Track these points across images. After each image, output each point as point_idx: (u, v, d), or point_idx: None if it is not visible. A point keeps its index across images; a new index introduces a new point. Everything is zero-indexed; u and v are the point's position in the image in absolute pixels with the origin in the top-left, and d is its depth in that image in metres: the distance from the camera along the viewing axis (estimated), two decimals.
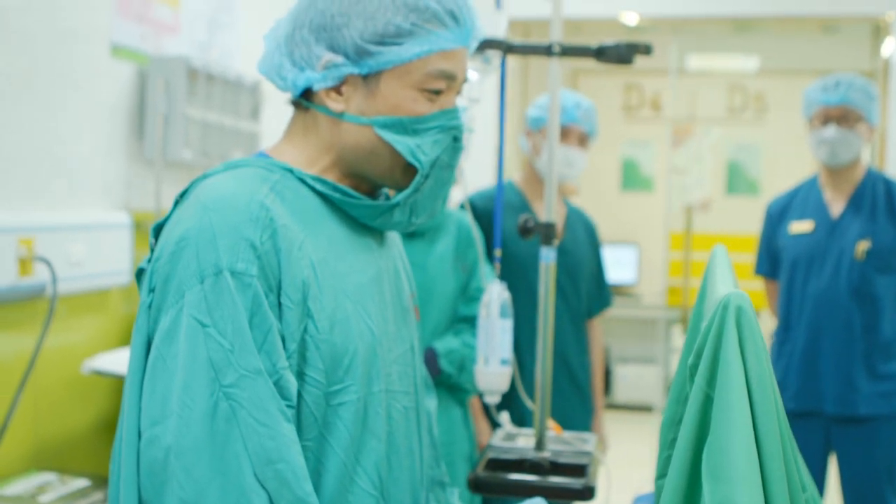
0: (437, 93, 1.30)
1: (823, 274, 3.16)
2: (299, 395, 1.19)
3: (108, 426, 3.15)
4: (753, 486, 0.83)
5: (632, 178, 7.93)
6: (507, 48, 1.89)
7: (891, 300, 3.13)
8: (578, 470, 1.85)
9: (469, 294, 2.48)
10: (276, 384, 1.14)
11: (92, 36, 3.01)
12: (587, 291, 3.12)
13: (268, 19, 4.62)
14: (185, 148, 3.26)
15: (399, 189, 1.34)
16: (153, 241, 1.25)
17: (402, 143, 1.28)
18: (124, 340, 3.19)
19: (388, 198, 1.42)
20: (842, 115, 3.10)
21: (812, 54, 7.01)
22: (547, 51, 1.90)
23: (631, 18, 5.03)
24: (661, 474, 1.60)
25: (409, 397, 1.38)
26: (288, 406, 1.15)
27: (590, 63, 1.99)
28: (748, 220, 7.13)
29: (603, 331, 3.30)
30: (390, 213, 1.33)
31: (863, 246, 3.11)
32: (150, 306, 1.17)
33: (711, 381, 0.91)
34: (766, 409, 0.88)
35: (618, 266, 7.28)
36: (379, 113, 1.28)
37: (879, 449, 3.11)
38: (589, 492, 1.77)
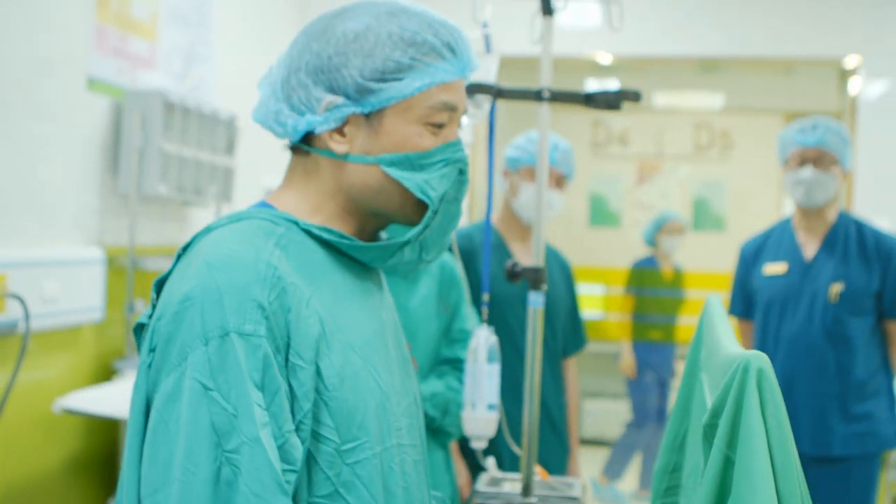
0: (440, 126, 1.28)
1: (797, 315, 3.19)
2: (310, 453, 1.16)
3: (78, 466, 3.10)
4: None
5: (599, 213, 7.98)
6: (498, 92, 1.89)
7: (863, 342, 3.15)
8: None
9: (452, 336, 2.47)
10: (281, 448, 1.10)
11: (68, 69, 2.98)
12: (562, 330, 3.12)
13: (244, 54, 4.66)
14: (160, 182, 3.23)
15: (411, 225, 1.32)
16: (154, 296, 1.21)
17: (411, 180, 1.26)
18: (96, 378, 3.15)
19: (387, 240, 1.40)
20: (818, 157, 3.14)
21: (777, 94, 7.12)
22: (537, 96, 1.91)
23: (605, 58, 5.09)
24: None
25: (417, 450, 1.36)
26: (290, 471, 1.11)
27: None
28: (715, 256, 7.21)
29: (577, 370, 3.30)
30: (401, 253, 1.30)
31: (836, 288, 3.14)
32: (150, 366, 1.13)
33: (732, 443, 0.90)
34: (788, 474, 0.88)
35: (584, 301, 7.31)
36: (384, 150, 1.26)
37: (853, 489, 3.13)
38: None
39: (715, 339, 1.25)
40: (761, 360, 0.91)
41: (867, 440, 3.15)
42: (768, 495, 0.86)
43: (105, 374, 3.17)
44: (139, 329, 1.21)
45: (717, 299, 1.51)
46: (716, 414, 0.94)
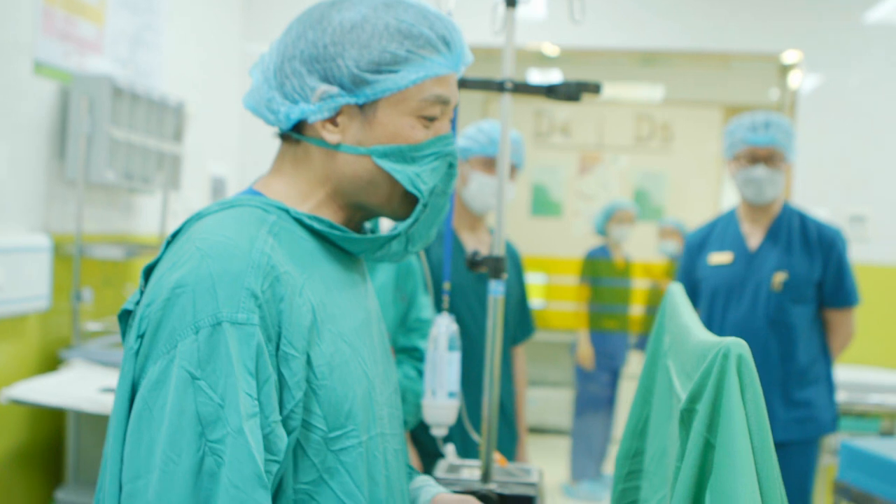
0: (433, 119, 1.29)
1: (742, 304, 3.26)
2: (298, 442, 1.16)
3: (24, 457, 3.05)
4: None
5: (541, 203, 8.04)
6: (461, 83, 1.90)
7: (805, 329, 3.24)
8: (526, 501, 1.86)
9: (408, 325, 2.48)
10: (266, 438, 1.11)
11: (14, 52, 2.93)
12: (513, 319, 3.15)
13: (192, 41, 4.60)
14: (108, 169, 3.18)
15: (396, 218, 1.32)
16: (143, 282, 1.20)
17: (402, 173, 1.27)
18: (42, 368, 3.10)
19: (372, 231, 1.40)
20: (769, 156, 3.21)
21: (717, 87, 7.24)
22: (500, 87, 1.93)
23: (549, 49, 5.13)
24: None
25: (397, 439, 1.37)
26: (273, 461, 1.11)
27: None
28: (655, 246, 7.31)
29: (525, 358, 3.33)
30: (389, 245, 1.31)
31: (779, 277, 3.22)
32: (137, 353, 1.13)
33: (712, 427, 0.93)
34: (766, 455, 0.91)
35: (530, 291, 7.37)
36: (377, 142, 1.26)
37: (792, 473, 3.21)
38: None
39: (682, 326, 1.28)
40: (741, 346, 0.94)
41: (807, 426, 3.24)
42: (749, 477, 0.89)
43: (51, 363, 3.12)
44: (124, 315, 1.20)
45: (679, 287, 1.55)
46: (694, 399, 0.97)
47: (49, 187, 3.13)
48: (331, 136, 1.27)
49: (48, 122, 3.10)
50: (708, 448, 0.93)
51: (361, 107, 1.26)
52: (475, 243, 3.00)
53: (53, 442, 3.16)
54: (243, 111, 4.71)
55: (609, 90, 7.72)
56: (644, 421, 1.58)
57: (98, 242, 3.33)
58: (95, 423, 3.00)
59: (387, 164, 1.26)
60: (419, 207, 1.29)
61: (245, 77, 4.70)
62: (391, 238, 1.30)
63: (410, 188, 1.27)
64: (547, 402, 7.36)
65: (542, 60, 6.39)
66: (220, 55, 4.60)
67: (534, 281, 7.67)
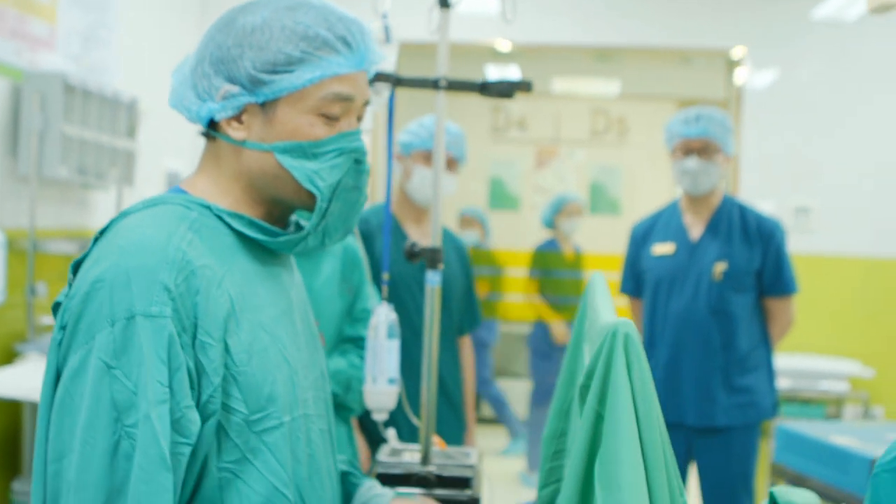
0: (335, 118, 1.34)
1: (684, 293, 3.36)
2: (220, 423, 1.24)
3: None
4: (640, 492, 0.94)
5: (499, 197, 8.13)
6: (397, 81, 1.98)
7: (745, 318, 3.34)
8: (463, 482, 1.93)
9: (354, 315, 2.54)
10: (178, 422, 1.18)
11: None
12: (458, 310, 3.22)
13: (145, 37, 4.63)
14: (60, 165, 3.22)
15: (309, 211, 1.38)
16: (71, 276, 1.27)
17: (300, 169, 1.32)
18: None
19: (298, 227, 1.47)
20: (702, 147, 3.31)
21: (670, 81, 7.36)
22: (434, 84, 2.00)
23: (504, 45, 5.21)
24: (545, 484, 1.71)
25: (323, 420, 1.45)
26: (185, 444, 1.19)
27: None
28: (610, 239, 7.42)
29: (473, 348, 3.41)
30: (305, 242, 1.38)
31: (720, 267, 3.32)
32: (60, 343, 1.21)
33: (602, 400, 1.01)
34: (650, 425, 0.99)
35: (483, 282, 7.46)
36: (278, 139, 1.32)
37: (735, 457, 3.32)
38: (474, 502, 1.87)
39: (595, 311, 1.37)
40: (628, 325, 1.02)
41: (748, 411, 3.34)
42: (633, 445, 0.97)
43: (7, 357, 3.16)
44: (56, 307, 1.27)
45: (601, 276, 1.63)
46: (589, 376, 1.05)
47: (2, 183, 3.17)
48: (235, 133, 1.34)
49: (0, 119, 3.14)
50: (598, 420, 1.01)
51: (262, 105, 1.32)
52: (420, 234, 3.08)
53: (10, 434, 3.20)
54: None
55: (565, 85, 7.82)
56: (568, 403, 1.66)
57: (52, 238, 3.37)
58: None
59: (286, 161, 1.32)
60: (320, 204, 1.34)
61: None
62: (303, 238, 1.37)
63: (308, 185, 1.33)
64: (506, 392, 7.45)
65: (499, 57, 6.47)
66: (175, 52, 4.63)
67: (490, 274, 7.75)
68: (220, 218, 1.32)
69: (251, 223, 1.34)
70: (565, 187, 7.82)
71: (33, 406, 3.07)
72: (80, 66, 3.62)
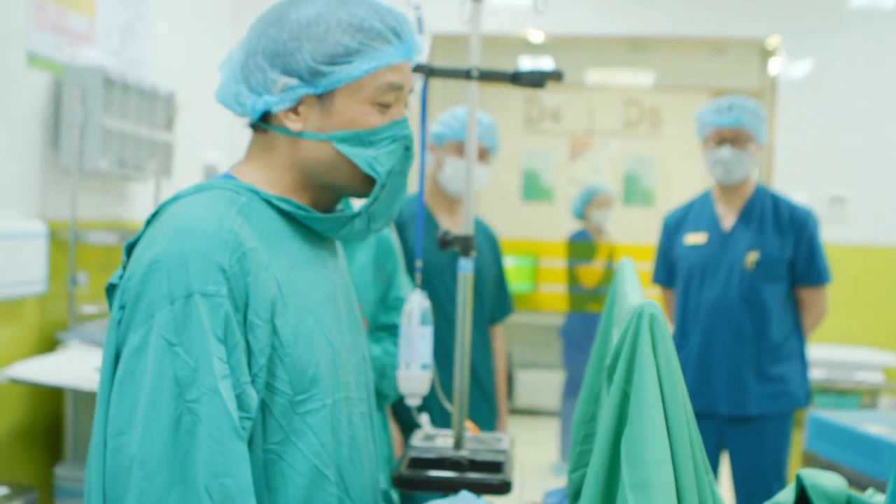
0: (387, 106, 1.40)
1: (716, 283, 3.37)
2: (265, 403, 1.28)
3: (24, 434, 3.16)
4: (666, 469, 0.97)
5: (532, 188, 8.15)
6: (430, 71, 2.01)
7: (778, 307, 3.35)
8: (495, 466, 1.96)
9: (388, 303, 2.58)
10: (238, 397, 1.22)
11: (8, 45, 3.03)
12: (489, 299, 3.25)
13: (182, 31, 4.69)
14: (101, 157, 3.29)
15: (360, 197, 1.44)
16: (125, 258, 1.31)
17: (360, 156, 1.38)
18: (40, 349, 3.21)
19: (342, 210, 1.51)
20: (735, 137, 3.31)
21: (703, 72, 7.33)
22: (466, 75, 2.03)
23: (537, 36, 5.22)
24: (575, 468, 1.74)
25: (364, 403, 1.49)
26: (246, 418, 1.23)
27: None
28: (644, 230, 7.41)
29: (505, 337, 3.44)
30: (351, 224, 1.43)
31: (752, 257, 3.33)
32: (119, 322, 1.25)
33: (629, 379, 1.04)
34: (675, 403, 1.02)
35: (516, 273, 7.49)
36: (336, 128, 1.37)
37: (767, 446, 3.33)
38: (506, 486, 1.89)
39: (623, 296, 1.39)
40: (653, 306, 1.05)
41: (781, 400, 3.35)
42: (658, 422, 1.00)
43: (49, 345, 3.24)
44: (111, 289, 1.32)
45: (630, 261, 1.65)
46: (616, 356, 1.08)
47: (44, 176, 3.24)
48: (293, 124, 1.38)
49: (42, 113, 3.21)
50: (625, 398, 1.04)
51: (320, 96, 1.37)
52: (452, 224, 3.11)
53: (52, 420, 3.27)
54: None
55: (598, 76, 7.81)
56: (598, 388, 1.68)
57: (92, 228, 3.44)
58: (93, 401, 3.10)
59: (346, 149, 1.37)
60: (377, 188, 1.40)
61: None
62: (353, 217, 1.42)
63: (368, 170, 1.39)
64: (537, 384, 7.48)
65: (532, 48, 6.48)
66: (210, 44, 4.70)
67: (524, 265, 7.77)
68: (268, 203, 1.37)
69: (299, 207, 1.38)
70: (599, 178, 7.82)
71: (75, 393, 3.14)
72: (119, 60, 3.68)
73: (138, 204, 3.90)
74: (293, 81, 1.36)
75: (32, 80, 3.15)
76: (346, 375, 1.42)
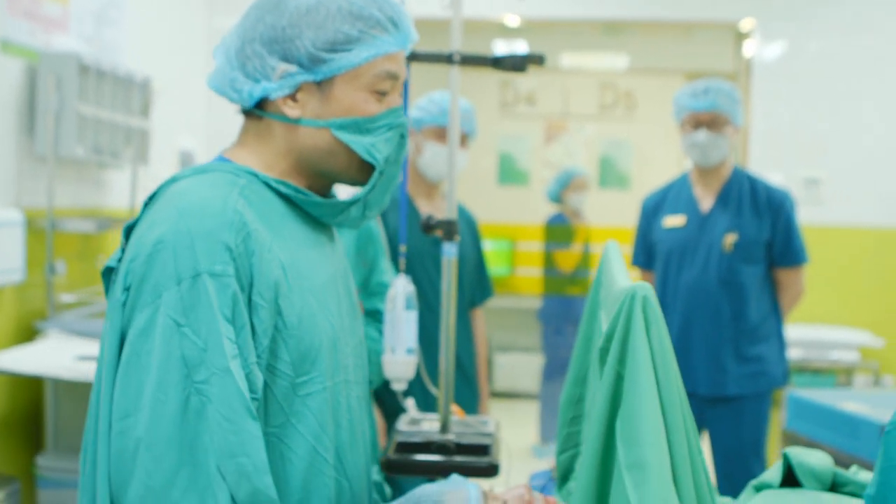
0: (384, 94, 1.40)
1: (695, 265, 3.39)
2: (267, 385, 1.27)
3: (4, 425, 3.14)
4: (660, 448, 0.98)
5: (508, 172, 8.16)
6: (411, 56, 2.00)
7: (756, 288, 3.38)
8: (482, 449, 1.97)
9: (370, 289, 2.58)
10: (246, 377, 1.21)
11: None
12: (469, 283, 3.26)
13: (156, 17, 4.64)
14: (77, 145, 3.26)
15: (355, 184, 1.44)
16: (124, 240, 1.30)
17: (358, 143, 1.38)
18: (18, 338, 3.18)
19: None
20: (711, 120, 3.33)
21: (678, 55, 7.35)
22: (448, 59, 2.02)
23: (512, 20, 5.22)
24: (563, 449, 1.76)
25: (361, 386, 1.49)
26: (254, 399, 1.22)
27: None
28: (620, 213, 7.44)
29: (485, 320, 3.45)
30: (348, 211, 1.43)
31: (730, 239, 3.35)
32: (124, 304, 1.23)
33: (622, 360, 1.05)
34: (669, 383, 1.03)
35: (494, 256, 7.50)
36: (334, 115, 1.37)
37: (746, 425, 3.37)
38: (493, 469, 1.90)
39: (611, 278, 1.40)
40: (645, 288, 1.06)
41: (759, 380, 3.38)
42: (653, 402, 1.01)
43: (27, 334, 3.21)
44: (108, 272, 1.31)
45: (615, 244, 1.66)
46: (609, 338, 1.09)
47: (19, 163, 3.20)
48: (291, 111, 1.38)
49: (17, 100, 3.18)
50: (619, 380, 1.05)
51: (319, 83, 1.37)
52: (431, 209, 3.11)
53: (32, 410, 3.25)
54: None
55: (573, 59, 7.82)
56: (585, 370, 1.69)
57: (70, 216, 3.41)
58: (73, 390, 3.10)
59: (344, 136, 1.38)
60: (376, 174, 1.41)
61: (211, 51, 4.76)
62: (351, 203, 1.42)
63: (367, 157, 1.39)
64: (516, 367, 7.51)
65: (507, 32, 6.48)
66: (185, 30, 4.66)
67: (501, 248, 7.79)
68: (267, 185, 1.36)
69: (297, 190, 1.38)
70: (574, 162, 7.84)
71: (55, 383, 3.13)
72: (93, 47, 3.65)
73: (115, 191, 3.87)
74: (292, 68, 1.35)
75: (6, 67, 3.11)
76: (346, 358, 1.43)
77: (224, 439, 1.17)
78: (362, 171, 1.42)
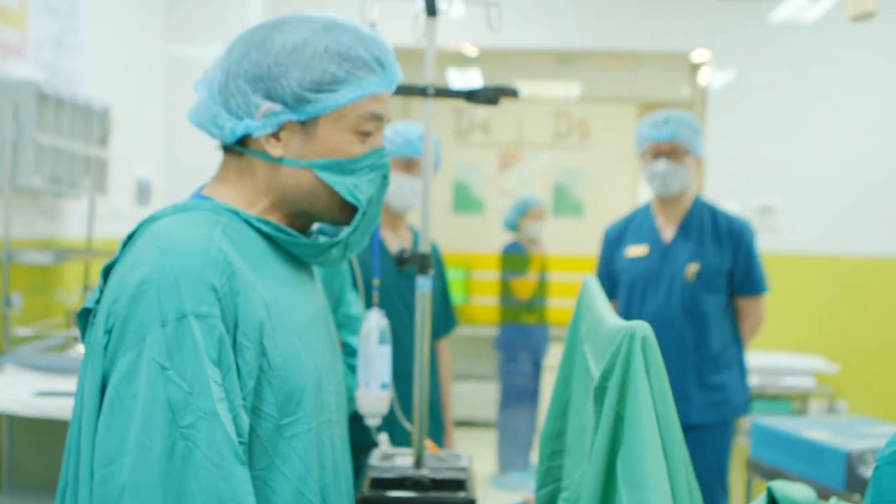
0: (368, 134, 1.39)
1: (658, 294, 3.42)
2: (252, 428, 1.24)
3: None
4: (663, 490, 0.98)
5: (463, 200, 8.17)
6: None
7: (717, 317, 3.41)
8: (457, 485, 1.96)
9: (337, 321, 2.56)
10: (233, 421, 1.18)
11: None
12: (434, 313, 3.25)
13: (115, 44, 4.59)
14: (35, 174, 3.20)
15: (336, 224, 1.42)
16: (102, 281, 1.27)
17: (341, 184, 1.37)
18: None
19: (319, 235, 1.49)
20: (671, 150, 3.37)
21: (631, 84, 7.44)
22: (422, 92, 2.02)
23: (469, 50, 5.25)
24: (543, 484, 1.74)
25: (342, 426, 1.47)
26: (241, 442, 1.19)
27: None
28: (574, 241, 7.49)
29: (450, 351, 3.44)
30: (329, 251, 1.41)
31: (692, 268, 3.38)
32: (106, 347, 1.19)
33: (622, 401, 1.04)
34: (669, 424, 1.03)
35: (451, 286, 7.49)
36: (318, 156, 1.36)
37: (709, 453, 3.39)
38: None
39: (596, 314, 1.40)
40: (645, 328, 1.05)
41: (722, 408, 3.41)
42: (655, 444, 1.00)
43: None
44: (84, 314, 1.27)
45: (594, 279, 1.66)
46: (605, 377, 1.08)
47: None
48: (274, 150, 1.36)
49: None
50: (618, 420, 1.04)
51: (303, 123, 1.35)
52: (397, 241, 3.10)
53: None
54: (167, 113, 4.72)
55: (527, 88, 7.87)
56: (565, 403, 1.69)
57: (26, 248, 3.34)
58: (30, 427, 3.02)
59: (327, 177, 1.36)
60: (358, 215, 1.40)
61: (169, 79, 4.71)
62: (333, 244, 1.40)
63: (350, 198, 1.38)
64: (473, 395, 7.48)
65: (462, 60, 6.51)
66: (143, 58, 4.61)
67: (456, 277, 7.79)
68: (248, 224, 1.34)
69: (279, 228, 1.36)
70: (529, 189, 7.88)
71: (10, 419, 3.05)
72: (51, 74, 3.59)
73: (72, 221, 3.80)
74: (276, 107, 1.34)
75: None
76: (329, 397, 1.41)
77: (212, 485, 1.14)
78: (344, 211, 1.41)
